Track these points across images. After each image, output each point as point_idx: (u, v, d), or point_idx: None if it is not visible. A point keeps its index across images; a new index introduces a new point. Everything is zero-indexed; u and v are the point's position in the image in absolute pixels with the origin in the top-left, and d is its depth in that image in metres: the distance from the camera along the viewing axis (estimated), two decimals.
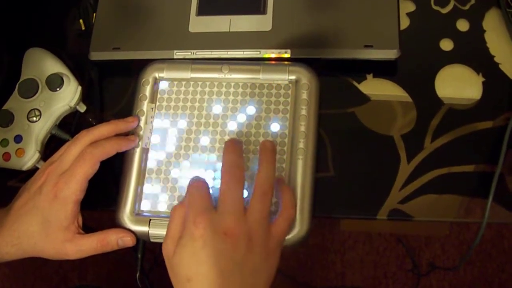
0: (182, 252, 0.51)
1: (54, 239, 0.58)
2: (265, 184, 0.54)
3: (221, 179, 0.53)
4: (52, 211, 0.58)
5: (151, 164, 0.63)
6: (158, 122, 0.64)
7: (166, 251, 0.52)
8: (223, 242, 0.50)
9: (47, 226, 0.58)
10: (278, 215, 0.55)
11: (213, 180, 0.61)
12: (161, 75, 0.66)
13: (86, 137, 0.60)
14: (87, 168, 0.58)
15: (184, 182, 0.62)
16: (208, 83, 0.65)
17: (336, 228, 1.47)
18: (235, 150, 0.55)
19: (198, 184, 0.53)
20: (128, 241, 0.60)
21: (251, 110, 0.63)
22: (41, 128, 0.66)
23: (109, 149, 0.60)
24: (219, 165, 0.61)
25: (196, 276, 0.50)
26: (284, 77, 0.63)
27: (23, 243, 0.58)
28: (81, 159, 0.58)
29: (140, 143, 0.63)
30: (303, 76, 0.63)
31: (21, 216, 0.59)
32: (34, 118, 0.66)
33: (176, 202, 0.61)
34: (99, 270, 1.52)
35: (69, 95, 0.67)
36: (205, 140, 0.63)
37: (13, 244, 0.58)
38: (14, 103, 0.67)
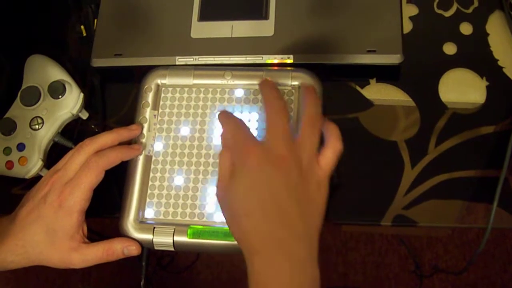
0: (237, 187, 0.50)
1: (59, 248, 0.58)
2: (314, 116, 0.54)
3: (266, 111, 0.53)
4: (57, 220, 0.58)
5: (154, 171, 0.63)
6: (161, 129, 0.64)
7: (220, 193, 0.53)
8: (277, 169, 0.49)
9: (52, 235, 0.58)
10: (326, 147, 0.54)
11: None
12: (164, 81, 0.65)
13: (90, 146, 0.60)
14: (92, 178, 0.58)
15: (187, 189, 0.61)
16: (210, 89, 0.65)
17: (338, 229, 1.47)
18: (271, 84, 0.56)
19: (236, 122, 0.54)
20: (133, 250, 0.60)
21: (254, 116, 0.63)
22: (43, 135, 0.66)
23: (114, 159, 0.60)
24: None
25: (254, 209, 0.49)
26: (287, 83, 0.63)
27: (28, 252, 0.58)
28: (86, 168, 0.58)
29: (143, 150, 0.63)
30: (306, 82, 0.63)
31: (26, 225, 0.59)
32: (37, 126, 0.66)
33: (180, 210, 0.61)
34: (102, 273, 1.52)
35: (71, 103, 0.67)
36: (208, 147, 0.63)
37: (18, 253, 0.58)
38: (17, 111, 0.67)
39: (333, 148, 0.54)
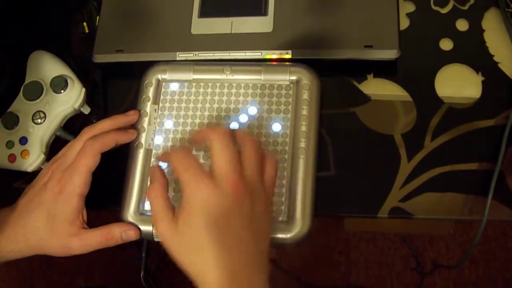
0: (192, 222, 0.48)
1: (59, 234, 0.59)
2: (251, 139, 0.52)
3: (211, 146, 0.50)
4: (57, 206, 0.59)
5: (154, 164, 0.63)
6: (161, 123, 0.65)
7: (166, 229, 0.50)
8: (232, 201, 0.48)
9: (52, 221, 0.59)
10: (264, 165, 0.52)
11: None
12: (164, 76, 0.66)
13: (89, 132, 0.61)
14: (88, 161, 0.59)
15: None
16: (210, 84, 0.66)
17: (340, 228, 1.47)
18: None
19: (183, 152, 0.51)
20: (132, 234, 0.60)
21: (253, 110, 0.64)
22: (46, 129, 0.67)
23: (108, 141, 0.60)
24: None
25: (208, 245, 0.47)
26: (285, 78, 0.64)
27: (29, 239, 0.59)
28: (82, 152, 0.59)
29: (143, 144, 0.64)
30: (304, 77, 0.64)
31: (27, 213, 0.59)
32: (39, 120, 0.67)
33: (179, 202, 0.61)
34: (105, 271, 1.53)
35: (73, 97, 0.68)
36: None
37: (18, 241, 0.59)
38: (19, 105, 0.68)
39: (270, 163, 0.53)
